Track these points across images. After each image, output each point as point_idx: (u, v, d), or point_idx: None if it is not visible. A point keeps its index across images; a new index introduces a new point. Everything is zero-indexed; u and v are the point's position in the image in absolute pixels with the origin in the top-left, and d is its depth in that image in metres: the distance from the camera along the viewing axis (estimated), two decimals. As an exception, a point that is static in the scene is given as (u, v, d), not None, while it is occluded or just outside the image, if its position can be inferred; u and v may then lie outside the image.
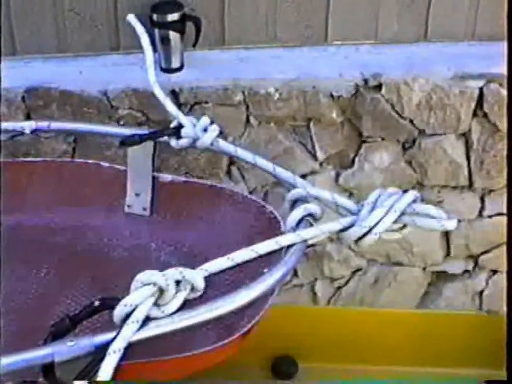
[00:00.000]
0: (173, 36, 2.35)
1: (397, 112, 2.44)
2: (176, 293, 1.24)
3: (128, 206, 2.02)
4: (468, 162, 2.55)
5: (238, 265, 1.35)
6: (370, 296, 2.82)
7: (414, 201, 1.46)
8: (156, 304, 1.23)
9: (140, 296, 1.20)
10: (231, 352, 1.43)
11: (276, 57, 2.48)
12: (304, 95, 2.40)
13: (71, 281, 1.82)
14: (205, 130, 1.89)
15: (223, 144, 1.87)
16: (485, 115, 2.47)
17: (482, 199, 2.65)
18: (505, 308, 2.82)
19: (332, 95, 2.41)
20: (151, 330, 1.21)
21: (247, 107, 2.43)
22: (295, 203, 1.58)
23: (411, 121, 2.46)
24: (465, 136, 2.51)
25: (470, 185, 2.60)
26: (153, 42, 2.38)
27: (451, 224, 1.42)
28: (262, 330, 1.40)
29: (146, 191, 2.00)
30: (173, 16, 2.32)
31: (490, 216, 2.67)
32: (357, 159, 2.55)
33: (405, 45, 2.49)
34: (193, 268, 1.36)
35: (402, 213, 1.45)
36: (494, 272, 2.81)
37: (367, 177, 2.55)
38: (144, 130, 2.00)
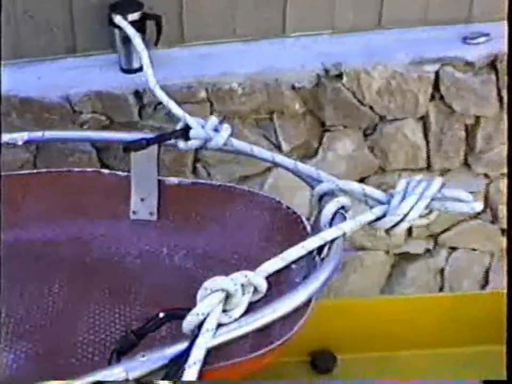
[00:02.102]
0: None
1: (358, 100, 2.48)
2: (241, 296, 1.23)
3: (134, 212, 1.97)
4: (426, 145, 2.62)
5: (291, 263, 1.35)
6: (337, 283, 2.85)
7: (442, 187, 1.50)
8: (223, 310, 1.22)
9: (209, 304, 1.19)
10: (273, 357, 1.43)
11: (236, 52, 2.47)
12: (267, 88, 2.41)
13: (87, 294, 1.77)
14: (215, 130, 1.85)
15: (237, 143, 1.84)
16: (442, 98, 2.53)
17: (440, 180, 2.72)
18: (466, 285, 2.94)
19: (294, 87, 2.42)
20: (222, 336, 1.20)
21: (211, 103, 2.42)
22: (321, 197, 1.60)
23: (372, 108, 2.50)
24: (423, 119, 2.57)
25: (428, 166, 2.66)
26: (113, 43, 2.35)
27: (478, 206, 1.49)
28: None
29: (152, 195, 1.96)
30: (133, 16, 2.28)
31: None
32: (320, 148, 2.58)
33: (362, 33, 2.53)
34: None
35: (432, 199, 1.49)
36: (453, 249, 2.89)
37: (331, 165, 2.57)
38: (149, 134, 1.95)
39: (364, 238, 2.77)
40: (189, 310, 1.19)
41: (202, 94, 2.38)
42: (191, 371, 1.10)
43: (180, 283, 1.83)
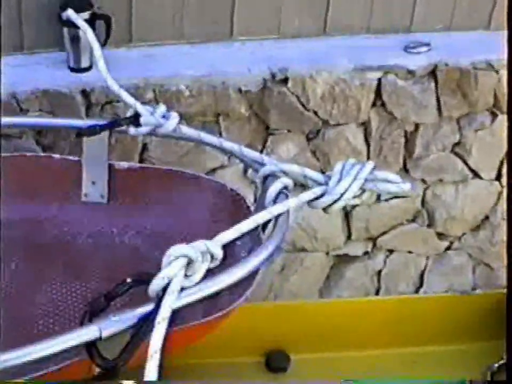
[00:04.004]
0: (83, 35, 2.32)
1: (302, 105, 2.53)
2: (201, 263, 1.30)
3: (85, 194, 2.05)
4: (367, 150, 2.69)
5: (244, 235, 1.44)
6: (278, 284, 2.90)
7: (373, 169, 1.63)
8: (185, 274, 1.28)
9: (174, 268, 1.25)
10: (217, 327, 1.49)
11: (183, 54, 2.50)
12: (214, 91, 2.44)
13: (44, 271, 1.85)
14: (164, 117, 1.93)
15: (185, 129, 1.93)
16: (383, 104, 2.60)
17: (379, 184, 2.79)
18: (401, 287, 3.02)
19: (240, 90, 2.46)
20: (184, 299, 1.27)
21: (158, 104, 2.43)
22: (265, 179, 1.70)
23: (315, 112, 2.56)
24: (365, 125, 2.64)
25: (369, 171, 2.73)
26: (61, 42, 2.36)
27: (406, 187, 1.60)
28: (253, 328, 1.45)
29: (103, 179, 2.03)
30: (83, 15, 2.29)
31: (387, 200, 2.81)
32: (264, 151, 2.62)
33: (307, 39, 2.58)
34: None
35: (365, 180, 1.61)
36: (391, 251, 2.97)
37: (274, 168, 2.62)
38: (101, 121, 2.02)
39: (305, 239, 2.83)
40: (153, 275, 1.25)
41: (150, 95, 2.40)
42: (159, 327, 1.16)
43: (130, 260, 1.95)
